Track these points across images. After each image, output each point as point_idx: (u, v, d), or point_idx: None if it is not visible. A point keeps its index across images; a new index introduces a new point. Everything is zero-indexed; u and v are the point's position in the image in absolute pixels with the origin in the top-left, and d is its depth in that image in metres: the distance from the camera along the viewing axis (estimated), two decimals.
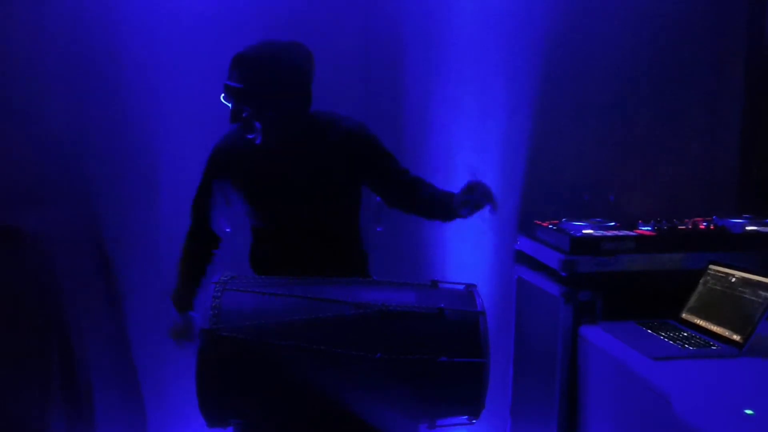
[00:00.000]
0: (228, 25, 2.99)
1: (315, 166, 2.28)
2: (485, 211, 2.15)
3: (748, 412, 1.91)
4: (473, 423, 2.04)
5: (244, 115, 2.18)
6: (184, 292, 2.41)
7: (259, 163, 2.28)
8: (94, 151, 3.01)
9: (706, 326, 2.50)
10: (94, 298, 3.03)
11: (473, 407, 1.97)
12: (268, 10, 3.00)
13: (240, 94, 2.16)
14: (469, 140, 3.24)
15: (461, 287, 2.13)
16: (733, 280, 2.51)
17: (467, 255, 3.20)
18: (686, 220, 3.08)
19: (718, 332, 2.43)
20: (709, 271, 2.62)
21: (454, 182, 3.10)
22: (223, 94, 2.20)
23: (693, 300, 2.62)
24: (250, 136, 2.22)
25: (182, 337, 2.38)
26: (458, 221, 2.28)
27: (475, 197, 2.11)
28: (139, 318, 3.12)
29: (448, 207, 2.22)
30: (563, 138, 3.30)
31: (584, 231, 2.84)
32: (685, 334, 2.50)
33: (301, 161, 2.28)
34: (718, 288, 2.55)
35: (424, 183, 2.34)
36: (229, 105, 2.20)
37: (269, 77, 2.16)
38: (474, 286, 2.11)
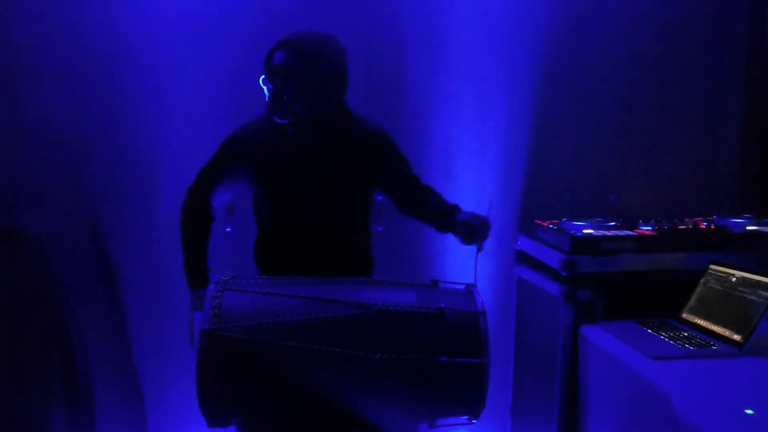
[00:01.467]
0: (228, 25, 2.99)
1: (333, 163, 2.29)
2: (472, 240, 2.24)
3: (748, 412, 1.91)
4: (473, 423, 2.04)
5: (286, 99, 2.20)
6: (196, 262, 2.39)
7: (278, 154, 2.29)
8: (95, 151, 3.01)
9: (706, 326, 2.50)
10: (95, 298, 3.03)
11: (473, 407, 1.97)
12: (268, 10, 3.00)
13: (284, 74, 2.18)
14: (469, 140, 3.24)
15: (461, 287, 2.14)
16: (734, 279, 2.51)
17: (467, 255, 3.20)
18: (687, 219, 3.08)
19: (719, 332, 2.43)
20: (709, 271, 2.62)
21: (454, 182, 3.13)
22: (263, 77, 2.22)
23: (693, 300, 2.62)
24: (283, 122, 2.22)
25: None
26: None
27: (476, 225, 2.20)
28: (139, 318, 3.12)
29: (448, 220, 2.28)
30: (563, 138, 3.30)
31: (585, 231, 2.84)
32: (686, 333, 2.50)
33: (320, 155, 2.29)
34: (719, 288, 2.55)
35: (432, 192, 2.39)
36: (266, 89, 2.21)
37: (314, 59, 2.19)
38: (474, 286, 2.11)
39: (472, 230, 2.21)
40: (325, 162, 2.29)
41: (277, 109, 2.23)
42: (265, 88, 2.22)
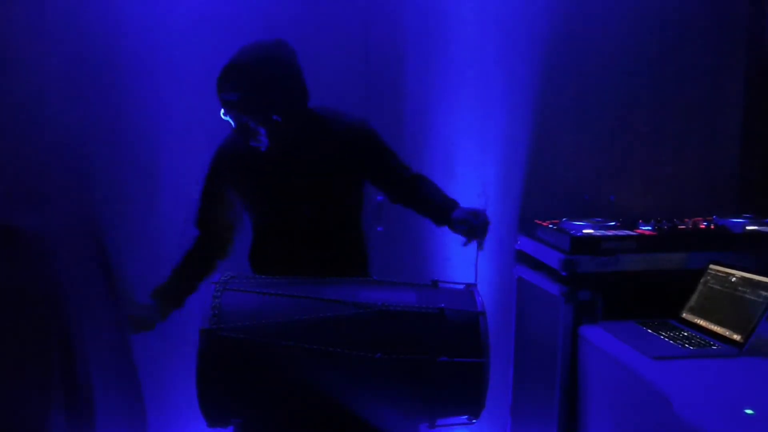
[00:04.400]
0: (227, 26, 2.98)
1: (317, 163, 2.27)
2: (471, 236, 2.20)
3: (748, 412, 1.91)
4: (473, 423, 2.04)
5: (251, 125, 2.16)
6: (168, 287, 2.41)
7: (262, 164, 2.27)
8: (95, 151, 3.01)
9: (706, 326, 2.50)
10: (95, 298, 3.02)
11: (473, 407, 1.97)
12: (267, 10, 3.00)
13: (239, 106, 2.13)
14: (469, 140, 3.24)
15: (461, 287, 2.14)
16: (734, 279, 2.51)
17: (467, 255, 3.20)
18: (686, 219, 3.08)
19: (719, 332, 2.43)
20: (709, 271, 2.62)
21: (454, 182, 3.12)
22: (222, 110, 2.16)
23: (693, 300, 2.62)
24: (255, 145, 2.20)
25: (142, 328, 2.37)
26: None
27: (474, 223, 2.16)
28: None
29: (445, 214, 2.24)
30: (563, 138, 3.30)
31: (584, 231, 2.84)
32: (686, 333, 2.50)
33: (303, 159, 2.27)
34: (719, 288, 2.55)
35: (425, 180, 2.36)
36: (230, 120, 2.17)
37: (263, 80, 2.13)
38: (474, 285, 2.11)
39: (471, 228, 2.19)
40: (306, 164, 2.27)
41: (246, 138, 2.19)
42: (227, 117, 2.18)
